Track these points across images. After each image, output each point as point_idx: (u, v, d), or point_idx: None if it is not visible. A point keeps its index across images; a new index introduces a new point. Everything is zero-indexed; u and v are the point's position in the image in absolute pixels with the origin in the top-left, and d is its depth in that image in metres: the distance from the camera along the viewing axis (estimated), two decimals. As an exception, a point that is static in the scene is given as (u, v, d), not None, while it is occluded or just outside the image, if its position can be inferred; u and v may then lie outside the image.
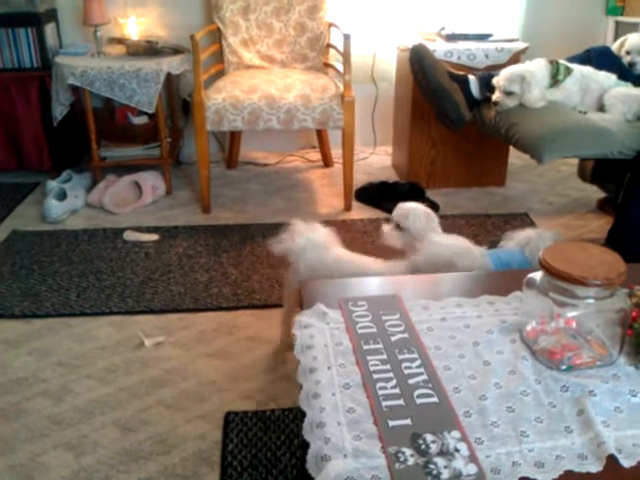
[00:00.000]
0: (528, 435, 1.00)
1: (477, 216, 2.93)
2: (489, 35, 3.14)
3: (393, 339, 1.23)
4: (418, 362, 1.16)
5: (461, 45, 3.04)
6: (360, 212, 2.98)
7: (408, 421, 1.02)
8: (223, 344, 2.04)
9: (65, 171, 3.15)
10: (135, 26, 3.33)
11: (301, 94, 2.81)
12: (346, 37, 2.75)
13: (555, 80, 2.59)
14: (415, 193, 3.04)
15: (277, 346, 2.02)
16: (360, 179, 3.23)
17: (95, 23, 3.11)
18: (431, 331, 1.26)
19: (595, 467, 0.94)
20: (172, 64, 3.04)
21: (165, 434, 1.67)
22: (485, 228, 2.80)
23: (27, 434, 1.67)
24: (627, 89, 2.59)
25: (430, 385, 1.10)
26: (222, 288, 2.35)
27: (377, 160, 3.63)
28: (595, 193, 3.06)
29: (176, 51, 3.14)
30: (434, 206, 2.90)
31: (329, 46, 3.28)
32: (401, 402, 1.06)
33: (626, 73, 2.73)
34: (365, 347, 1.20)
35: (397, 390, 1.09)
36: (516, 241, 1.87)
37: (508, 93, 2.58)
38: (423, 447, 0.96)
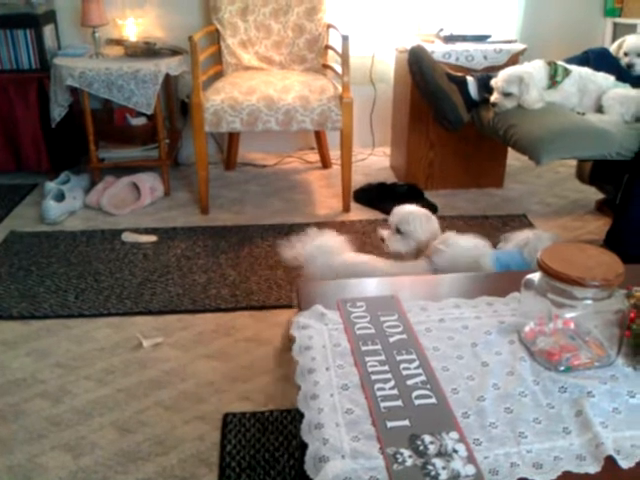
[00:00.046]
0: (526, 436, 1.00)
1: (475, 217, 2.93)
2: (487, 36, 3.15)
3: (391, 340, 1.23)
4: (416, 363, 1.16)
5: (459, 46, 3.04)
6: (358, 213, 2.98)
7: (406, 422, 1.02)
8: (221, 345, 2.04)
9: (63, 172, 3.15)
10: (133, 27, 3.33)
11: (300, 95, 2.81)
12: (344, 38, 2.76)
13: (553, 81, 2.60)
14: (413, 194, 3.04)
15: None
16: (358, 180, 3.23)
17: (93, 24, 3.11)
18: (429, 332, 1.26)
19: (593, 468, 0.94)
20: (170, 65, 3.04)
21: (163, 435, 1.67)
22: (483, 229, 2.80)
23: (25, 435, 1.67)
24: (625, 90, 2.59)
25: (428, 386, 1.10)
26: (220, 289, 2.35)
27: (375, 161, 3.63)
28: (593, 194, 3.06)
29: (174, 52, 3.14)
30: (432, 207, 2.90)
31: (327, 47, 3.29)
32: (399, 403, 1.06)
33: (624, 74, 2.73)
34: (363, 348, 1.20)
35: (395, 391, 1.09)
36: (514, 242, 1.87)
37: (506, 94, 2.58)
38: (421, 448, 0.96)
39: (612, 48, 2.91)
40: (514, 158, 3.30)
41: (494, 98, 2.63)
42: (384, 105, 3.59)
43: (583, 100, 2.64)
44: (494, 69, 2.85)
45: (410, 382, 1.11)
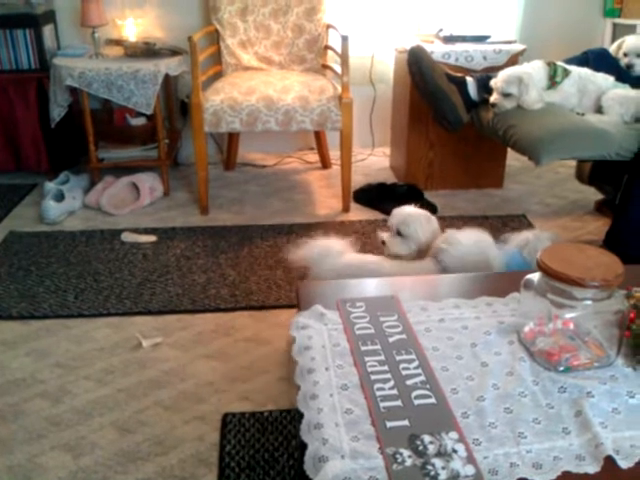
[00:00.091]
0: (526, 436, 1.00)
1: (475, 218, 2.94)
2: (487, 37, 3.15)
3: (391, 340, 1.23)
4: (416, 363, 1.16)
5: (459, 47, 3.05)
6: (358, 213, 2.98)
7: (406, 422, 1.02)
8: (221, 345, 2.04)
9: (63, 172, 3.15)
10: (133, 27, 3.32)
11: (299, 96, 2.81)
12: (344, 39, 2.76)
13: (553, 82, 2.60)
14: (413, 195, 3.04)
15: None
16: (358, 180, 3.23)
17: (93, 24, 3.11)
18: (429, 332, 1.26)
19: (593, 468, 0.94)
20: (170, 65, 3.04)
21: (163, 435, 1.67)
22: (483, 230, 2.79)
23: (25, 435, 1.67)
24: (625, 91, 2.59)
25: (428, 386, 1.10)
26: (220, 289, 2.35)
27: (375, 162, 3.63)
28: (593, 195, 3.07)
29: (174, 52, 3.14)
30: (432, 208, 2.90)
31: (327, 48, 3.29)
32: (399, 403, 1.06)
33: (624, 75, 2.73)
34: (363, 348, 1.20)
35: (395, 391, 1.09)
36: (514, 243, 1.87)
37: (506, 95, 2.58)
38: (421, 448, 0.97)
39: (612, 49, 2.91)
40: (514, 158, 3.30)
41: (493, 98, 2.63)
42: (384, 105, 3.60)
43: (583, 101, 2.64)
44: (494, 69, 2.85)
45: (410, 382, 1.11)
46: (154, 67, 2.93)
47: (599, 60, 2.78)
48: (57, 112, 3.06)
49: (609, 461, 0.95)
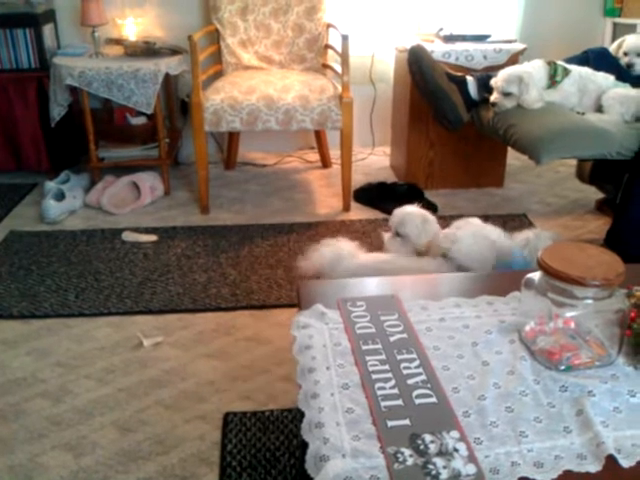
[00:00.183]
0: (527, 435, 1.00)
1: (475, 217, 2.93)
2: (487, 36, 3.15)
3: (392, 339, 1.23)
4: (417, 362, 1.16)
5: (459, 46, 3.04)
6: (359, 213, 2.98)
7: (407, 421, 1.02)
8: (222, 344, 2.04)
9: (63, 172, 3.15)
10: (133, 27, 3.33)
11: (299, 95, 2.81)
12: (344, 38, 2.76)
13: (553, 81, 2.60)
14: (413, 194, 3.04)
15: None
16: (358, 180, 3.23)
17: (93, 24, 3.11)
18: (430, 331, 1.26)
19: (594, 467, 0.94)
20: (170, 65, 3.04)
21: (164, 434, 1.67)
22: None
23: (26, 435, 1.67)
24: (625, 90, 2.59)
25: (429, 385, 1.10)
26: (221, 288, 2.35)
27: (375, 161, 3.63)
28: (593, 194, 3.07)
29: (174, 52, 3.14)
30: (432, 207, 2.90)
31: (327, 47, 3.29)
32: (400, 402, 1.06)
33: (624, 74, 2.73)
34: (364, 347, 1.20)
35: (396, 390, 1.09)
36: (515, 242, 1.87)
37: (506, 94, 2.58)
38: (422, 447, 0.97)
39: (612, 48, 2.91)
40: (514, 158, 3.30)
41: (494, 98, 2.63)
42: (384, 105, 3.60)
43: (583, 100, 2.64)
44: (494, 69, 2.85)
45: (410, 381, 1.11)
46: (154, 66, 2.93)
47: (599, 59, 2.78)
48: (57, 111, 3.06)
49: (610, 460, 0.95)
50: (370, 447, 0.97)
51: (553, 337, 1.18)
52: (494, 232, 1.87)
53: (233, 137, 3.44)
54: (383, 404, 1.05)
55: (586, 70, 2.66)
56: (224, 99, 2.78)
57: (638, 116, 2.51)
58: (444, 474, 0.92)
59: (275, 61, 3.30)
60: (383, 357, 1.17)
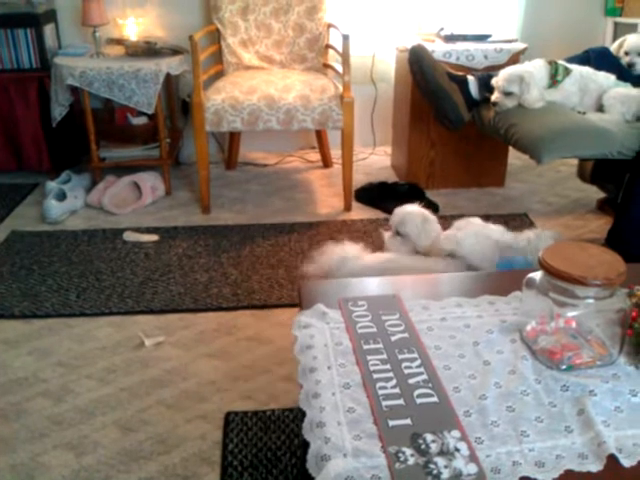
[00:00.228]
0: (528, 435, 1.00)
1: (477, 217, 2.93)
2: (488, 36, 3.15)
3: (393, 339, 1.23)
4: (418, 362, 1.16)
5: (460, 46, 3.04)
6: (360, 212, 2.98)
7: (408, 421, 1.02)
8: (223, 344, 2.04)
9: (64, 172, 3.15)
10: (134, 27, 3.33)
11: (300, 95, 2.81)
12: (345, 38, 2.76)
13: (554, 80, 2.60)
14: (414, 194, 3.04)
15: None
16: (359, 179, 3.23)
17: (94, 24, 3.11)
18: (431, 331, 1.26)
19: (595, 467, 0.94)
20: (171, 65, 3.04)
21: (165, 434, 1.67)
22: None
23: (27, 434, 1.67)
24: (626, 89, 2.59)
25: (430, 385, 1.10)
26: (222, 288, 2.35)
27: (376, 160, 3.63)
28: (595, 193, 3.06)
29: (175, 52, 3.14)
30: (433, 206, 2.90)
31: (328, 47, 3.29)
32: (401, 402, 1.06)
33: (625, 74, 2.73)
34: (365, 347, 1.20)
35: (397, 390, 1.09)
36: (517, 242, 1.88)
37: (507, 94, 2.58)
38: (423, 447, 0.97)
39: (613, 47, 2.90)
40: (515, 157, 3.30)
41: (495, 97, 2.63)
42: (385, 104, 3.60)
43: (584, 99, 2.64)
44: (495, 68, 2.84)
45: (412, 381, 1.11)
46: (155, 66, 2.93)
47: (600, 59, 2.78)
48: (58, 111, 3.06)
49: (612, 460, 0.95)
50: (371, 447, 0.97)
51: (554, 337, 1.18)
52: (496, 231, 1.88)
53: (234, 137, 3.44)
54: (384, 404, 1.06)
55: (587, 69, 2.66)
56: (225, 99, 2.78)
57: (639, 115, 2.51)
58: (445, 474, 0.92)
59: (276, 61, 3.30)
60: (384, 357, 1.17)
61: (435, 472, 0.92)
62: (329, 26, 3.26)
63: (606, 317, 1.16)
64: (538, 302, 1.17)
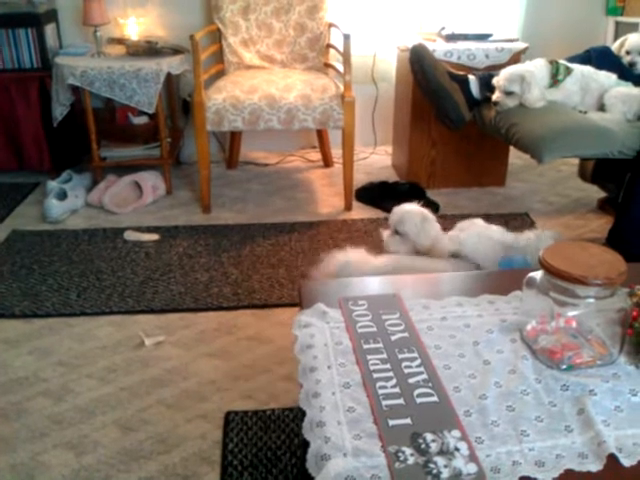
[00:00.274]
0: (528, 434, 1.00)
1: (477, 216, 2.92)
2: (489, 35, 3.15)
3: (393, 338, 1.23)
4: (418, 361, 1.16)
5: (461, 45, 3.04)
6: (360, 212, 2.98)
7: (408, 420, 1.02)
8: (223, 344, 2.04)
9: (65, 171, 3.16)
10: (135, 26, 3.33)
11: (301, 94, 2.81)
12: (346, 37, 2.75)
13: (555, 80, 2.59)
14: (415, 193, 3.04)
15: None
16: (360, 179, 3.23)
17: (95, 23, 3.11)
18: (431, 330, 1.26)
19: (595, 466, 0.94)
20: (172, 64, 3.04)
21: (165, 433, 1.67)
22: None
23: (28, 433, 1.67)
24: (627, 89, 2.59)
25: (430, 384, 1.10)
26: (222, 288, 2.35)
27: (377, 160, 3.63)
28: (595, 193, 3.06)
29: (176, 51, 3.14)
30: (434, 206, 2.90)
31: (329, 46, 3.28)
32: (401, 401, 1.06)
33: (626, 73, 2.73)
34: (365, 346, 1.20)
35: (397, 389, 1.09)
36: (517, 241, 1.87)
37: (508, 93, 2.58)
38: (423, 446, 0.96)
39: (614, 47, 2.90)
40: (516, 157, 3.30)
41: (496, 97, 2.62)
42: (386, 104, 3.59)
43: (585, 99, 2.64)
44: (496, 68, 2.84)
45: (412, 380, 1.11)
46: (156, 66, 2.93)
47: (601, 58, 2.78)
48: (59, 111, 3.06)
49: (612, 459, 0.95)
50: (371, 446, 0.97)
51: (554, 336, 1.18)
52: (498, 232, 1.87)
53: (235, 136, 3.44)
54: (384, 403, 1.05)
55: (588, 69, 2.66)
56: (226, 98, 2.78)
57: (640, 115, 2.51)
58: (445, 473, 0.91)
59: (277, 60, 3.30)
60: (384, 356, 1.17)
61: (435, 472, 0.92)
62: (330, 25, 3.25)
63: (606, 317, 1.16)
64: (538, 301, 1.17)
